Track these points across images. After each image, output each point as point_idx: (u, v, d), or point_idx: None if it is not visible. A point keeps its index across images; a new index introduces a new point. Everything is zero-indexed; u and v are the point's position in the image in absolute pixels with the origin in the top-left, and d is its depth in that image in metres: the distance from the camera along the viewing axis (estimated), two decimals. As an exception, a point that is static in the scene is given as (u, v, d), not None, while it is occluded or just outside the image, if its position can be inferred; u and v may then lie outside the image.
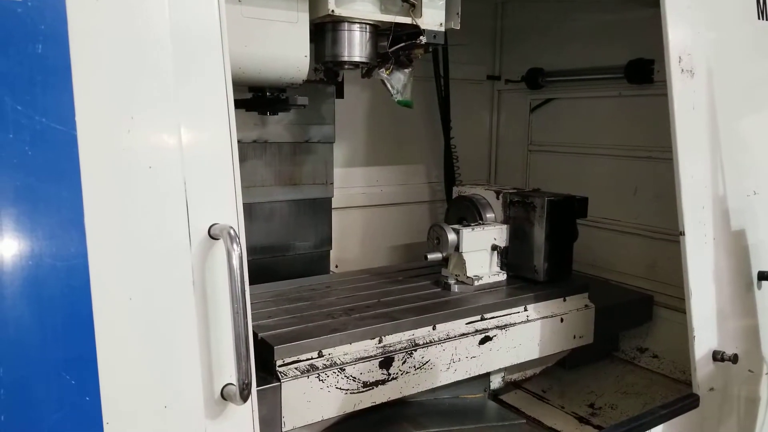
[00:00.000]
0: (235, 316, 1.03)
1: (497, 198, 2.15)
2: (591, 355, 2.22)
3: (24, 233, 0.89)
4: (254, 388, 1.09)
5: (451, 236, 1.99)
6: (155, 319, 1.00)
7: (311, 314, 1.73)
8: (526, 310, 1.94)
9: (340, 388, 1.53)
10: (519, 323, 1.89)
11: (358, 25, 1.72)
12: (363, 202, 2.65)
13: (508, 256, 2.10)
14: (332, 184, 2.34)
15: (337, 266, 2.51)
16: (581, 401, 2.01)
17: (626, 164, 2.52)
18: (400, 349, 1.64)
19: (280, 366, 1.47)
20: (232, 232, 1.03)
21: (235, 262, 1.02)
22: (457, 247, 2.00)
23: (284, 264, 2.24)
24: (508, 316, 1.89)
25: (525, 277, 2.07)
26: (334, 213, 2.39)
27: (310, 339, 1.54)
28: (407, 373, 1.65)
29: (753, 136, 1.97)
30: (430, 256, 2.02)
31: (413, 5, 1.71)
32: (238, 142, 1.10)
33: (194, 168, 1.03)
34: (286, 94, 1.82)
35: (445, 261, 2.06)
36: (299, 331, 1.59)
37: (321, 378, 1.50)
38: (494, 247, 2.07)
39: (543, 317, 1.95)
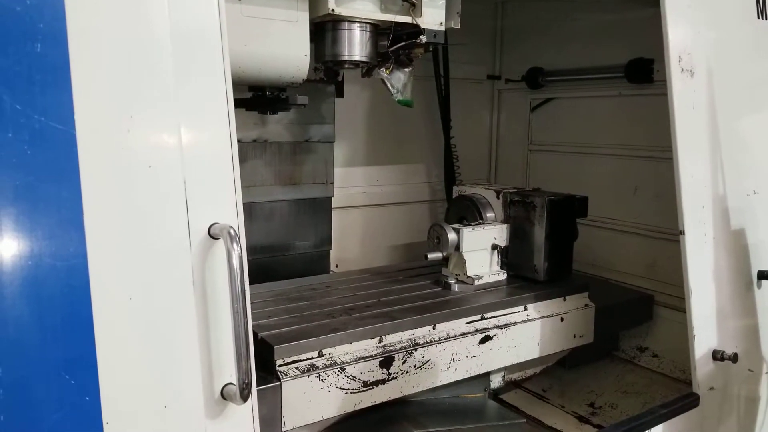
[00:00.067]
0: (235, 315, 1.03)
1: (497, 197, 2.15)
2: (591, 355, 2.22)
3: (23, 233, 0.88)
4: (254, 388, 1.09)
5: (452, 236, 1.99)
6: (155, 318, 1.00)
7: (311, 314, 1.73)
8: (526, 309, 1.94)
9: (341, 388, 1.53)
10: (519, 323, 1.89)
11: (358, 25, 1.72)
12: (363, 201, 2.65)
13: (509, 256, 2.10)
14: (332, 183, 2.34)
15: (337, 266, 2.51)
16: (581, 400, 2.02)
17: (626, 164, 2.52)
18: (400, 349, 1.64)
19: (280, 366, 1.47)
20: (232, 231, 1.03)
21: (235, 262, 1.01)
22: (457, 247, 2.00)
23: (284, 263, 2.24)
24: (509, 315, 1.89)
25: (525, 276, 2.07)
26: (334, 212, 2.39)
27: (310, 339, 1.54)
28: (407, 372, 1.65)
29: (753, 136, 1.97)
30: (431, 256, 2.01)
31: (413, 4, 1.71)
32: (238, 141, 1.10)
33: (194, 167, 1.03)
34: (286, 94, 1.82)
35: (445, 260, 2.06)
36: (299, 331, 1.59)
37: (321, 378, 1.50)
38: (494, 247, 2.07)
39: (543, 317, 1.95)
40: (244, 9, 1.51)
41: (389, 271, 2.26)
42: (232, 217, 1.07)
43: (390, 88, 1.91)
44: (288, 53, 1.61)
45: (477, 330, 1.80)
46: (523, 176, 2.97)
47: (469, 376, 1.80)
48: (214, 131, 1.07)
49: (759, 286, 1.92)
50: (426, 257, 2.02)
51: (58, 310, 0.91)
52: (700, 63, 1.71)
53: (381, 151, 2.71)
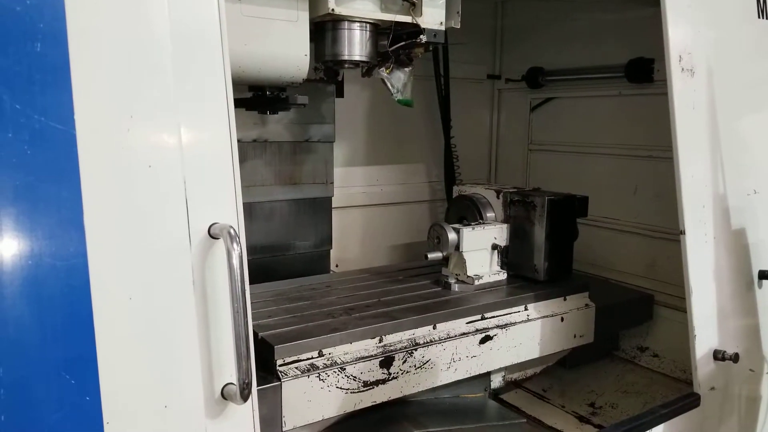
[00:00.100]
0: (235, 315, 1.03)
1: (497, 197, 2.15)
2: (591, 355, 2.22)
3: (23, 233, 0.88)
4: (254, 388, 1.09)
5: (452, 235, 1.99)
6: (155, 318, 1.00)
7: (311, 314, 1.73)
8: (526, 309, 1.94)
9: (341, 388, 1.53)
10: (519, 322, 1.89)
11: (358, 24, 1.72)
12: (363, 201, 2.65)
13: (509, 256, 2.10)
14: (332, 183, 2.34)
15: (337, 266, 2.51)
16: (582, 400, 2.01)
17: (626, 163, 2.52)
18: (400, 349, 1.64)
19: (280, 365, 1.47)
20: (232, 231, 1.03)
21: (235, 262, 1.01)
22: (457, 247, 2.00)
23: (284, 263, 2.24)
24: (509, 315, 1.89)
25: (525, 276, 2.07)
26: (334, 212, 2.39)
27: (310, 338, 1.54)
28: (408, 372, 1.65)
29: (753, 135, 1.97)
30: (431, 256, 2.01)
31: (413, 4, 1.71)
32: (238, 141, 1.10)
33: (194, 167, 1.03)
34: (286, 93, 1.81)
35: (445, 260, 2.06)
36: (299, 331, 1.59)
37: (321, 377, 1.50)
38: (494, 247, 2.07)
39: (543, 316, 1.95)
40: (244, 9, 1.51)
41: (389, 271, 2.26)
42: (232, 216, 1.07)
43: (390, 87, 1.91)
44: (288, 53, 1.60)
45: (477, 330, 1.80)
46: (523, 176, 2.97)
47: (469, 376, 1.80)
48: (214, 131, 1.06)
49: (760, 286, 1.92)
50: (426, 257, 2.02)
51: (59, 310, 0.91)
52: (701, 62, 1.71)
53: (381, 150, 2.71)
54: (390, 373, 1.62)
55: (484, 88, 3.07)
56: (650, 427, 1.68)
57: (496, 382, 2.05)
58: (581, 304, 2.06)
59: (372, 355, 1.59)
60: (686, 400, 1.74)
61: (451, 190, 2.43)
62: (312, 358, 1.52)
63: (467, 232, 2.00)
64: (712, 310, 1.77)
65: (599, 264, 2.56)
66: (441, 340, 1.72)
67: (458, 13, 1.83)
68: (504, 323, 1.86)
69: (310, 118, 2.21)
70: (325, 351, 1.54)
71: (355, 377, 1.55)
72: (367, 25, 1.74)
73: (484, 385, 2.00)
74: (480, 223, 2.09)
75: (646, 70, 2.37)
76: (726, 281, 1.81)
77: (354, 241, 2.64)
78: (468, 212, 2.19)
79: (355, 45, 1.73)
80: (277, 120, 2.13)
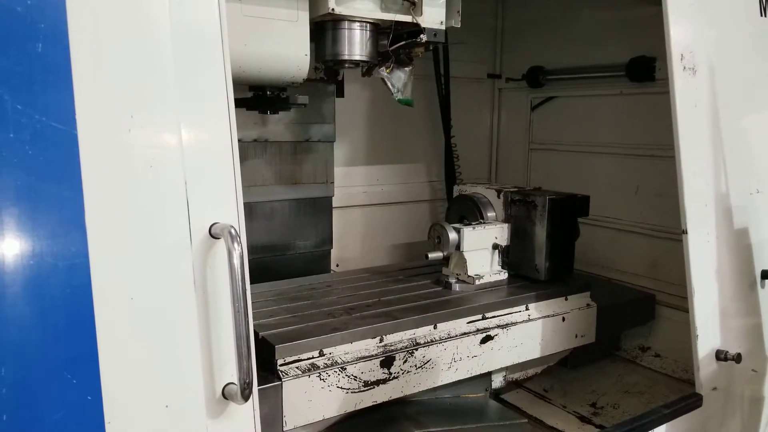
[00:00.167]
0: (236, 315, 1.03)
1: (498, 197, 2.14)
2: (593, 355, 2.21)
3: (25, 233, 0.88)
4: (255, 388, 1.09)
5: (452, 235, 1.99)
6: (156, 318, 1.00)
7: (312, 313, 1.73)
8: (527, 309, 1.93)
9: (341, 388, 1.53)
10: (520, 322, 1.89)
11: (358, 24, 1.72)
12: (363, 201, 2.65)
13: (510, 255, 2.10)
14: (333, 183, 2.34)
15: (337, 265, 2.51)
16: (583, 400, 2.01)
17: (628, 162, 2.52)
18: (401, 349, 1.64)
19: (281, 365, 1.47)
20: (233, 231, 1.03)
21: (236, 261, 1.01)
22: (458, 246, 2.00)
23: (285, 263, 2.24)
24: (510, 315, 1.89)
25: (526, 276, 2.07)
26: (334, 212, 2.39)
27: (311, 338, 1.54)
28: (408, 372, 1.65)
29: (755, 134, 1.97)
30: (431, 255, 2.01)
31: (414, 3, 1.71)
32: (239, 141, 1.10)
33: (195, 167, 1.03)
34: (286, 93, 1.82)
35: (446, 260, 2.06)
36: (300, 330, 1.59)
37: (322, 377, 1.50)
38: (495, 246, 2.07)
39: (544, 316, 1.95)
40: (245, 8, 1.51)
41: (390, 270, 2.26)
42: (233, 216, 1.07)
43: (390, 87, 1.91)
44: (288, 53, 1.61)
45: (478, 330, 1.80)
46: (524, 175, 2.97)
47: (470, 375, 1.80)
48: (214, 131, 1.07)
49: (762, 286, 1.91)
50: (427, 257, 2.02)
51: (60, 310, 0.91)
52: (702, 61, 1.70)
53: (381, 150, 2.71)
54: (391, 373, 1.62)
55: (484, 87, 3.06)
56: (652, 428, 1.67)
57: (497, 382, 2.05)
58: (582, 304, 2.06)
59: (373, 355, 1.59)
60: (688, 400, 1.74)
61: (452, 190, 2.43)
62: (313, 357, 1.52)
63: (468, 232, 1.99)
64: (714, 310, 1.77)
65: (601, 264, 2.55)
66: (442, 340, 1.72)
67: (458, 12, 1.82)
68: (505, 323, 1.85)
69: (310, 117, 2.21)
70: (325, 351, 1.54)
71: (355, 377, 1.55)
72: (368, 24, 1.74)
73: (485, 385, 1.99)
74: (481, 223, 2.09)
75: (648, 69, 2.36)
76: (728, 281, 1.81)
77: (354, 240, 2.64)
78: (469, 212, 2.19)
79: (356, 45, 1.73)
80: (277, 120, 2.13)
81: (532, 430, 1.82)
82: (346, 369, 1.54)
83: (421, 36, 1.74)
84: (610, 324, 2.16)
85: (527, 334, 1.90)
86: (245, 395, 1.05)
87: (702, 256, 1.72)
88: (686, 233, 1.66)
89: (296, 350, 1.50)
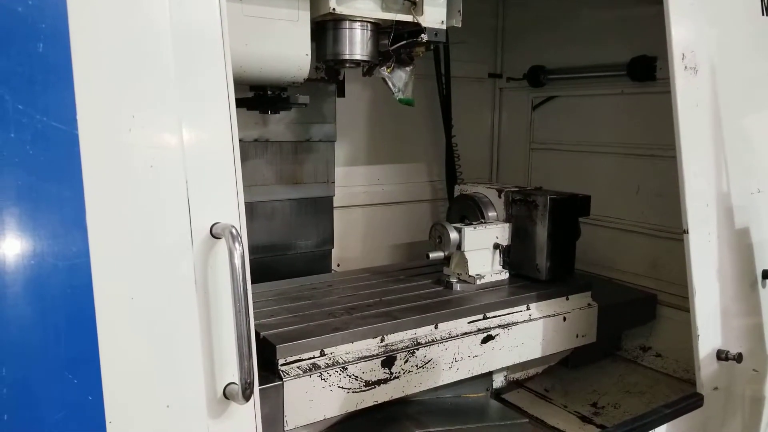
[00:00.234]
0: (237, 315, 1.03)
1: (499, 196, 2.14)
2: (594, 354, 2.21)
3: (26, 233, 0.88)
4: (256, 388, 1.09)
5: (453, 235, 1.98)
6: (157, 318, 1.00)
7: (313, 313, 1.73)
8: (528, 309, 1.93)
9: (342, 387, 1.53)
10: (521, 322, 1.89)
11: (359, 24, 1.72)
12: (364, 200, 2.65)
13: (511, 255, 2.10)
14: (333, 182, 2.34)
15: (338, 265, 2.51)
16: (584, 400, 2.01)
17: (629, 162, 2.51)
18: (402, 348, 1.64)
19: (282, 365, 1.47)
20: (233, 231, 1.03)
21: (237, 261, 1.01)
22: (459, 246, 2.00)
23: (286, 263, 2.24)
24: (511, 315, 1.89)
25: (527, 275, 2.06)
26: (335, 212, 2.39)
27: (312, 338, 1.54)
28: (409, 372, 1.65)
29: (757, 133, 1.96)
30: (432, 255, 2.01)
31: (414, 3, 1.70)
32: (240, 141, 1.10)
33: (196, 167, 1.03)
34: (287, 93, 1.82)
35: (447, 260, 2.06)
36: (301, 330, 1.59)
37: (323, 377, 1.50)
38: (496, 246, 2.07)
39: (545, 316, 1.94)
40: (245, 8, 1.51)
41: (391, 270, 2.26)
42: (234, 216, 1.07)
43: (391, 87, 1.91)
44: (289, 53, 1.60)
45: (479, 329, 1.80)
46: (524, 175, 2.97)
47: (471, 375, 1.80)
48: (215, 131, 1.07)
49: (764, 285, 1.91)
50: (427, 256, 2.02)
51: (61, 310, 0.91)
52: (704, 60, 1.70)
53: (382, 150, 2.71)
54: (392, 373, 1.62)
55: (485, 86, 3.06)
56: (653, 427, 1.67)
57: (498, 381, 2.04)
58: (584, 304, 2.06)
59: (374, 355, 1.59)
60: (689, 400, 1.74)
61: (453, 190, 2.42)
62: (314, 357, 1.52)
63: (469, 232, 1.99)
64: (715, 309, 1.77)
65: (602, 263, 2.55)
66: (443, 340, 1.72)
67: (459, 11, 1.82)
68: (506, 323, 1.85)
69: (311, 117, 2.21)
70: (326, 350, 1.54)
71: (356, 377, 1.55)
72: (368, 24, 1.74)
73: (486, 385, 1.99)
74: (482, 223, 2.09)
75: (649, 69, 2.36)
76: (729, 281, 1.80)
77: (355, 240, 2.64)
78: (469, 211, 2.19)
79: (357, 44, 1.73)
80: (278, 120, 2.13)
81: (533, 429, 1.82)
82: (347, 369, 1.54)
83: (422, 35, 1.74)
84: (611, 324, 2.15)
85: (528, 334, 1.90)
86: (246, 395, 1.05)
87: (703, 256, 1.72)
88: (687, 233, 1.66)
89: (297, 350, 1.50)
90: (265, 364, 1.46)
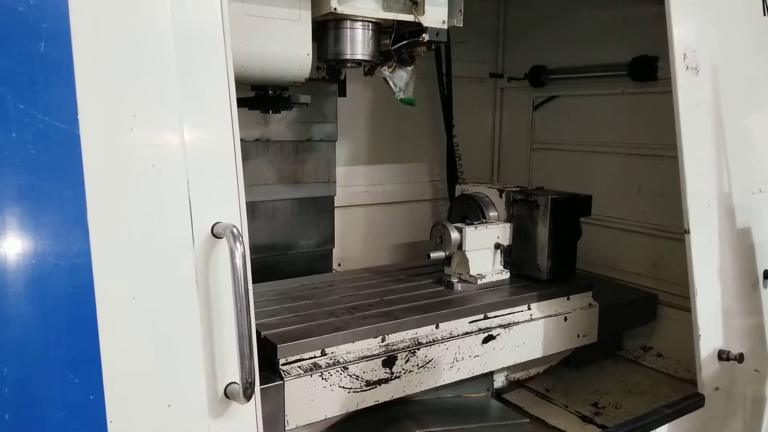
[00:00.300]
0: (238, 314, 1.03)
1: (500, 196, 2.14)
2: (595, 354, 2.21)
3: (27, 232, 0.88)
4: (257, 387, 1.09)
5: (454, 235, 1.98)
6: (158, 318, 1.00)
7: (314, 313, 1.73)
8: (529, 308, 1.93)
9: (343, 387, 1.53)
10: (522, 322, 1.89)
11: (360, 23, 1.72)
12: (365, 200, 2.65)
13: (512, 255, 2.09)
14: (335, 182, 2.34)
15: (339, 265, 2.51)
16: (585, 400, 2.01)
17: (630, 162, 2.51)
18: (403, 348, 1.64)
19: (283, 364, 1.47)
20: (235, 230, 1.03)
21: (238, 261, 1.01)
22: (460, 246, 2.00)
23: (287, 262, 2.24)
24: (512, 314, 1.89)
25: (528, 275, 2.06)
26: (336, 211, 2.39)
27: (313, 337, 1.54)
28: (410, 371, 1.65)
29: (758, 133, 1.96)
30: (433, 255, 2.01)
31: (416, 3, 1.70)
32: (241, 140, 1.10)
33: (197, 166, 1.03)
34: (288, 93, 1.82)
35: (448, 259, 2.06)
36: (302, 330, 1.59)
37: (324, 377, 1.50)
38: (497, 246, 2.07)
39: (546, 316, 1.94)
40: (247, 8, 1.51)
41: (392, 270, 2.26)
42: (235, 216, 1.07)
43: (392, 86, 1.91)
44: (290, 52, 1.60)
45: (480, 329, 1.80)
46: (526, 175, 2.96)
47: (472, 375, 1.80)
48: (216, 130, 1.07)
49: (765, 286, 1.91)
50: (429, 256, 2.02)
51: (62, 309, 0.91)
52: (705, 60, 1.70)
53: (383, 149, 2.71)
54: (393, 373, 1.61)
55: (486, 86, 3.06)
56: (654, 428, 1.67)
57: (499, 381, 2.04)
58: (585, 304, 2.06)
59: (375, 355, 1.59)
60: (690, 400, 1.73)
61: (454, 189, 2.42)
62: (315, 357, 1.52)
63: (470, 232, 1.99)
64: (716, 309, 1.76)
65: (603, 263, 2.55)
66: (444, 340, 1.72)
67: (461, 11, 1.82)
68: (507, 323, 1.85)
69: (312, 117, 2.21)
70: (327, 350, 1.54)
71: (357, 376, 1.55)
72: (370, 24, 1.74)
73: (487, 385, 1.99)
74: (483, 223, 2.09)
75: (650, 69, 2.35)
76: (731, 281, 1.80)
77: (356, 240, 2.64)
78: (471, 211, 2.19)
79: (358, 44, 1.73)
80: (279, 119, 2.13)
81: (533, 429, 1.82)
82: (348, 368, 1.54)
83: (423, 35, 1.74)
84: (612, 324, 2.15)
85: (529, 334, 1.90)
86: (247, 395, 1.04)
87: (704, 256, 1.72)
88: (689, 233, 1.66)
89: (298, 350, 1.50)
90: (266, 364, 1.46)
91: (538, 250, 2.02)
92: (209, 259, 1.04)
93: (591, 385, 2.11)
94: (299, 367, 1.49)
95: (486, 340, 1.80)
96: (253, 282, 1.08)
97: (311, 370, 1.49)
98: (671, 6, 1.60)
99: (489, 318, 1.84)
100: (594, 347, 2.11)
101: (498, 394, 2.02)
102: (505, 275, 2.08)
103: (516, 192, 2.10)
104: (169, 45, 1.00)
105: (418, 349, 1.66)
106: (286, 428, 1.45)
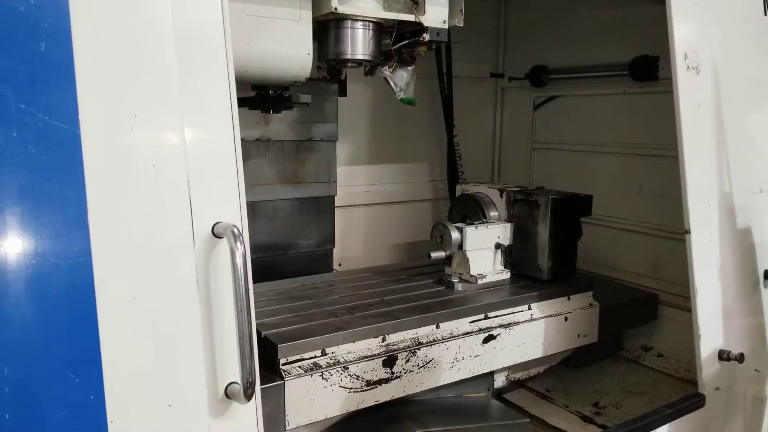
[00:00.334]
0: (238, 314, 1.03)
1: (501, 196, 2.14)
2: (595, 354, 2.21)
3: (28, 232, 0.88)
4: (258, 387, 1.08)
5: (455, 234, 1.98)
6: (159, 317, 1.00)
7: (314, 312, 1.73)
8: (530, 308, 1.93)
9: (344, 387, 1.53)
10: (523, 322, 1.89)
11: (361, 23, 1.72)
12: (366, 200, 2.65)
13: (512, 255, 2.09)
14: (335, 182, 2.34)
15: (340, 264, 2.51)
16: (585, 400, 2.01)
17: (631, 162, 2.51)
18: (403, 348, 1.64)
19: (283, 364, 1.47)
20: (235, 230, 1.03)
21: (239, 261, 1.01)
22: (460, 246, 2.00)
23: (287, 262, 2.24)
24: (512, 314, 1.88)
25: (529, 275, 2.06)
26: (337, 211, 2.39)
27: (313, 337, 1.54)
28: (411, 371, 1.65)
29: (759, 134, 1.96)
30: (434, 255, 2.01)
31: (416, 3, 1.70)
32: (241, 140, 1.10)
33: (198, 166, 1.03)
34: (289, 92, 1.82)
35: (448, 259, 2.06)
36: (302, 330, 1.59)
37: (324, 376, 1.50)
38: (498, 246, 2.07)
39: (547, 316, 1.94)
40: (247, 8, 1.51)
41: (392, 270, 2.26)
42: (236, 215, 1.07)
43: (393, 86, 1.91)
44: (291, 52, 1.60)
45: (480, 329, 1.80)
46: (526, 175, 2.96)
47: (472, 375, 1.80)
48: (217, 130, 1.07)
49: (765, 286, 1.91)
50: (429, 256, 2.02)
51: (63, 309, 0.91)
52: (706, 60, 1.70)
53: (384, 149, 2.70)
54: (393, 373, 1.61)
55: (487, 86, 3.06)
56: (654, 428, 1.67)
57: (500, 381, 2.04)
58: (585, 304, 2.06)
59: (375, 355, 1.59)
60: (691, 400, 1.73)
61: (454, 189, 2.42)
62: (315, 357, 1.52)
63: (470, 231, 1.99)
64: (717, 309, 1.76)
65: (603, 263, 2.55)
66: (444, 340, 1.72)
67: (461, 11, 1.82)
68: (507, 323, 1.85)
69: (313, 117, 2.21)
70: (328, 350, 1.54)
71: (358, 376, 1.55)
72: (370, 23, 1.74)
73: (488, 385, 1.99)
74: (483, 222, 2.09)
75: (651, 68, 2.35)
76: (731, 281, 1.80)
77: (357, 240, 2.64)
78: (471, 211, 2.18)
79: (358, 44, 1.73)
80: (280, 119, 2.13)
81: (534, 429, 1.82)
82: (348, 368, 1.54)
83: (424, 35, 1.74)
84: (613, 324, 2.15)
85: (530, 334, 1.90)
86: (248, 395, 1.04)
87: (705, 256, 1.71)
88: (689, 233, 1.66)
89: (299, 349, 1.50)
90: (267, 364, 1.46)
91: (538, 250, 2.02)
92: (210, 258, 1.04)
93: (591, 385, 2.11)
94: (300, 366, 1.49)
95: (486, 340, 1.80)
96: (254, 282, 1.08)
97: (312, 369, 1.49)
98: (672, 6, 1.60)
99: (489, 318, 1.84)
100: (594, 347, 2.10)
101: (498, 394, 2.02)
102: (506, 275, 2.08)
103: (516, 192, 2.10)
104: (170, 45, 1.00)
105: (419, 349, 1.66)
106: (287, 428, 1.45)
